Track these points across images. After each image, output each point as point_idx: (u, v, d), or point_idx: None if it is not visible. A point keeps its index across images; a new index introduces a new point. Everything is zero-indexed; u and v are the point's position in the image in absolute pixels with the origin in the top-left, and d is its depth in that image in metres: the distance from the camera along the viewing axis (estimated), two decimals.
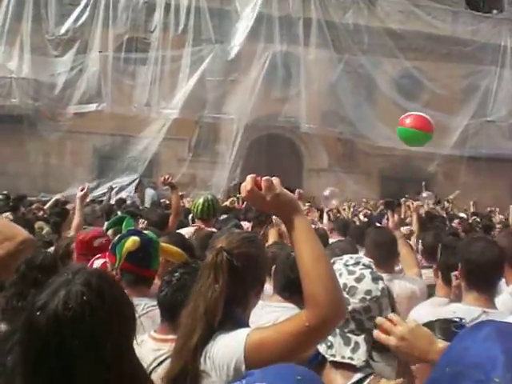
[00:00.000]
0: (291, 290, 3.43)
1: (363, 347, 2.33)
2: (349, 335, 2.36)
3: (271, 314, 3.29)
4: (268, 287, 4.05)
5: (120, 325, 1.69)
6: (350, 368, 2.33)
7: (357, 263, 2.47)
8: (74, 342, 1.58)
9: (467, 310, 3.50)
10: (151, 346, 2.80)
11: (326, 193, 11.24)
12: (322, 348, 2.41)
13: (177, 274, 2.95)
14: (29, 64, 19.94)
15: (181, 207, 8.10)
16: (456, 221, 11.88)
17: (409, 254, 5.27)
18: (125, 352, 1.72)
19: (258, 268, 2.30)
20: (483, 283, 3.60)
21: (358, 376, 2.29)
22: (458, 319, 2.99)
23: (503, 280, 4.36)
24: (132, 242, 3.34)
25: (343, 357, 2.35)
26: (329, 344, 2.38)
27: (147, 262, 3.36)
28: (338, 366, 2.36)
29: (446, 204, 17.02)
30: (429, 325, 3.05)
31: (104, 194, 17.06)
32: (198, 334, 2.20)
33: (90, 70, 20.25)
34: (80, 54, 20.39)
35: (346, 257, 2.55)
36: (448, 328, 2.98)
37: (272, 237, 5.63)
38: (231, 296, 2.22)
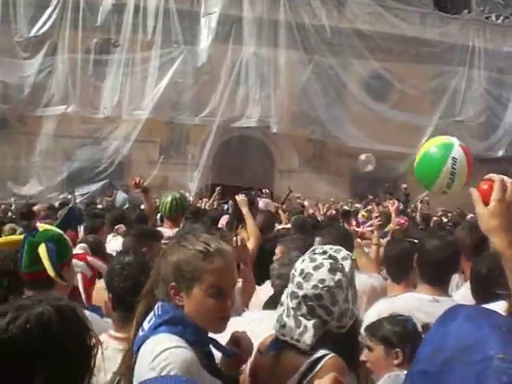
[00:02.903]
0: None
1: (310, 332, 2.36)
2: (300, 318, 2.40)
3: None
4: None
5: (60, 366, 1.63)
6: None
7: (324, 253, 2.51)
8: (1, 365, 1.55)
9: (419, 297, 3.63)
10: (115, 346, 2.74)
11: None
12: (276, 326, 2.46)
13: (123, 265, 2.96)
14: None
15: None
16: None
17: (368, 263, 5.19)
18: None
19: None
20: (435, 277, 3.69)
21: (316, 355, 2.31)
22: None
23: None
24: (15, 239, 3.34)
25: (292, 338, 2.40)
26: (282, 323, 2.44)
27: (20, 262, 3.22)
28: (297, 348, 2.39)
29: (419, 205, 17.04)
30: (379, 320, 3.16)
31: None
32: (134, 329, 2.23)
33: (59, 72, 20.07)
34: (49, 56, 20.20)
35: (326, 247, 2.58)
36: (394, 317, 3.09)
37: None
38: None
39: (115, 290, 2.96)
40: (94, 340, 1.74)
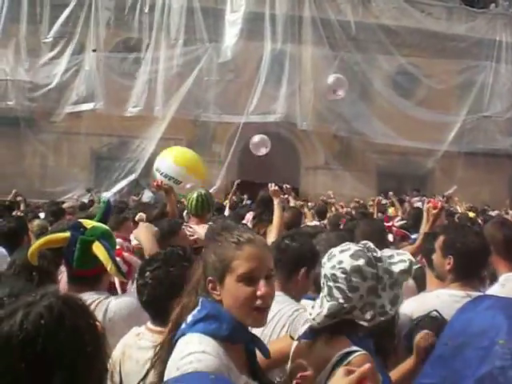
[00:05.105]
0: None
1: (324, 312, 2.38)
2: (323, 299, 2.44)
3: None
4: None
5: (77, 356, 1.60)
6: (341, 343, 2.35)
7: (364, 244, 2.52)
8: (21, 365, 1.50)
9: (451, 293, 3.54)
10: (149, 337, 2.80)
11: None
12: (309, 309, 2.50)
13: (148, 274, 2.89)
14: (24, 66, 19.94)
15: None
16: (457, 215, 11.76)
17: None
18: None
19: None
20: (470, 275, 3.63)
21: (346, 350, 2.30)
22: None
23: None
24: (62, 237, 3.29)
25: (310, 314, 2.46)
26: (313, 305, 2.49)
27: (71, 261, 3.23)
28: (329, 340, 2.40)
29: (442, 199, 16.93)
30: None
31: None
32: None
33: (86, 71, 20.23)
34: (75, 55, 20.38)
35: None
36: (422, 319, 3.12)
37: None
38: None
39: (145, 304, 2.97)
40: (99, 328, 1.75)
